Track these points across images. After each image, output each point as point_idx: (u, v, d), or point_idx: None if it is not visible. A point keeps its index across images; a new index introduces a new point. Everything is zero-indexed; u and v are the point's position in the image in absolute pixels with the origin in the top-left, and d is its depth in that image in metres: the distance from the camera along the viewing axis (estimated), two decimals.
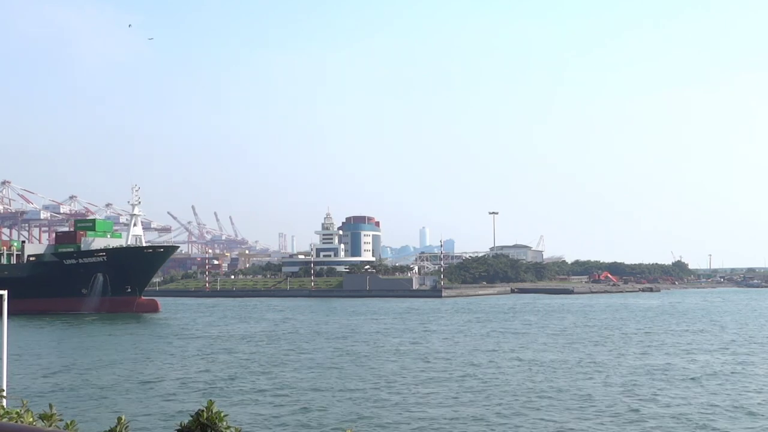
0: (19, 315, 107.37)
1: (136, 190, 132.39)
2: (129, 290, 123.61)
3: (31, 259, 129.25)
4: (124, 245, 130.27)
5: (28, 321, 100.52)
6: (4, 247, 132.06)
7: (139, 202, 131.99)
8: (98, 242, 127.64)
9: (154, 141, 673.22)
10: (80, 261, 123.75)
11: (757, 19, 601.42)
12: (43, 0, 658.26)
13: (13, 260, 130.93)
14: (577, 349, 65.86)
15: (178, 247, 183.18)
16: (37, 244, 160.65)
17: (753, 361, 57.82)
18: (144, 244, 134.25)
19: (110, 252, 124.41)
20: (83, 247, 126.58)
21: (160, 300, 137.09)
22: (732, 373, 51.16)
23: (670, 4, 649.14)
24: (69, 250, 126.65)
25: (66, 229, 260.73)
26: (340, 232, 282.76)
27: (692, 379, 47.90)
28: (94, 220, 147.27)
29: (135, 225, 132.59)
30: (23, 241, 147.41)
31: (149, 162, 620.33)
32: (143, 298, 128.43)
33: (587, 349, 66.62)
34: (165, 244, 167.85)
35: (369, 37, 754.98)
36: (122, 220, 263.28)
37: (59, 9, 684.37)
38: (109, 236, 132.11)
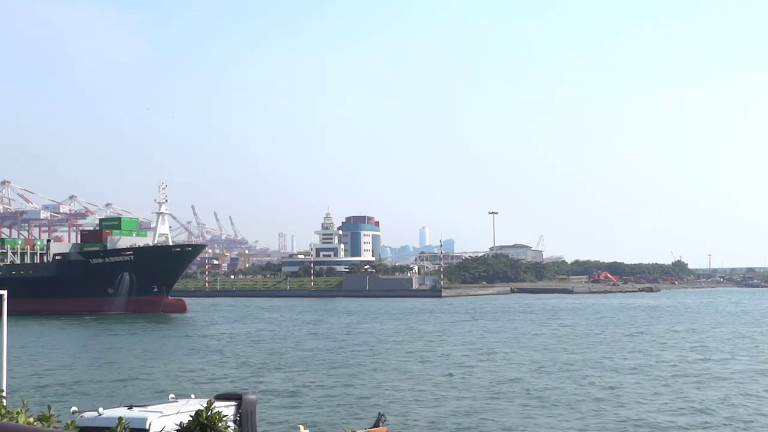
0: (45, 315, 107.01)
1: (163, 188, 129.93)
2: (156, 290, 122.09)
3: (56, 258, 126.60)
4: (150, 244, 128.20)
5: (44, 321, 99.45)
6: (28, 246, 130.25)
7: (166, 200, 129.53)
8: (124, 241, 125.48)
9: (153, 141, 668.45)
10: (107, 260, 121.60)
11: (757, 19, 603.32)
12: (43, 0, 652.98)
13: (37, 259, 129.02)
14: (566, 350, 66.07)
15: (206, 246, 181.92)
16: (62, 243, 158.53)
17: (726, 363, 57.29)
18: (171, 243, 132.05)
19: (138, 251, 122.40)
20: (109, 246, 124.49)
21: None
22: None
23: (670, 4, 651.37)
24: (95, 249, 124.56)
25: (66, 228, 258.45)
26: (340, 232, 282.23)
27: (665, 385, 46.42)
28: (119, 218, 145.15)
29: (162, 223, 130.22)
30: (48, 240, 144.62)
31: (149, 162, 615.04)
32: (170, 297, 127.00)
33: (576, 349, 66.64)
34: (193, 243, 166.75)
35: (369, 37, 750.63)
36: None
37: (59, 9, 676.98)
38: (134, 235, 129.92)
